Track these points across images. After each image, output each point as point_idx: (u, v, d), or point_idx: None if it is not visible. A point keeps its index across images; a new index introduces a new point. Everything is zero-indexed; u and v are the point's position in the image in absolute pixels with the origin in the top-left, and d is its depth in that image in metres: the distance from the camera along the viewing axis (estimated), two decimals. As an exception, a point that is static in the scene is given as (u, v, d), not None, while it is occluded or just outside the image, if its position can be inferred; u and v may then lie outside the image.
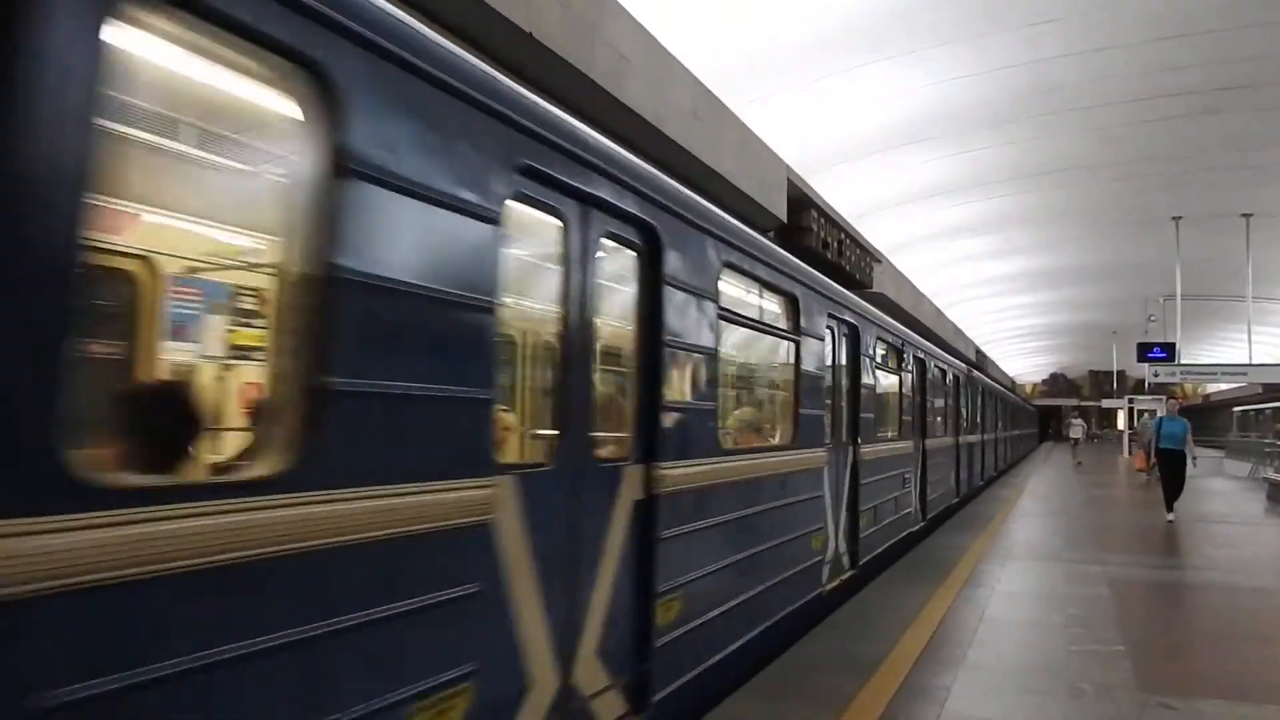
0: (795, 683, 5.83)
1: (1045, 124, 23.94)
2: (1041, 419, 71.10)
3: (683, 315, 5.03)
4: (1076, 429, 42.96)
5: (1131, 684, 5.93)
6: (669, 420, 4.80)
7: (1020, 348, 73.54)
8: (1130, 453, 45.02)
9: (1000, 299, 51.03)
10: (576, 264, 4.05)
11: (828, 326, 8.38)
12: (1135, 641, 7.08)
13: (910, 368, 12.88)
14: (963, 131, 23.81)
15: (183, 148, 3.28)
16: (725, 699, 5.44)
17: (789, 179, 14.32)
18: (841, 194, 21.40)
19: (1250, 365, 33.12)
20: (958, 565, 10.42)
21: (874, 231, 24.58)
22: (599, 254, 4.25)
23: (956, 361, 18.91)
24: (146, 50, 2.49)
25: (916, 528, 12.99)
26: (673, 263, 4.87)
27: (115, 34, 2.08)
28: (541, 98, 3.80)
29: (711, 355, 5.49)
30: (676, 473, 4.85)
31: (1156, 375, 33.31)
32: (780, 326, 7.28)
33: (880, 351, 10.97)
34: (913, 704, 5.42)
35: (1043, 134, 24.64)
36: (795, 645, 6.76)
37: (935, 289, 36.82)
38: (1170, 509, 15.85)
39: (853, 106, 20.49)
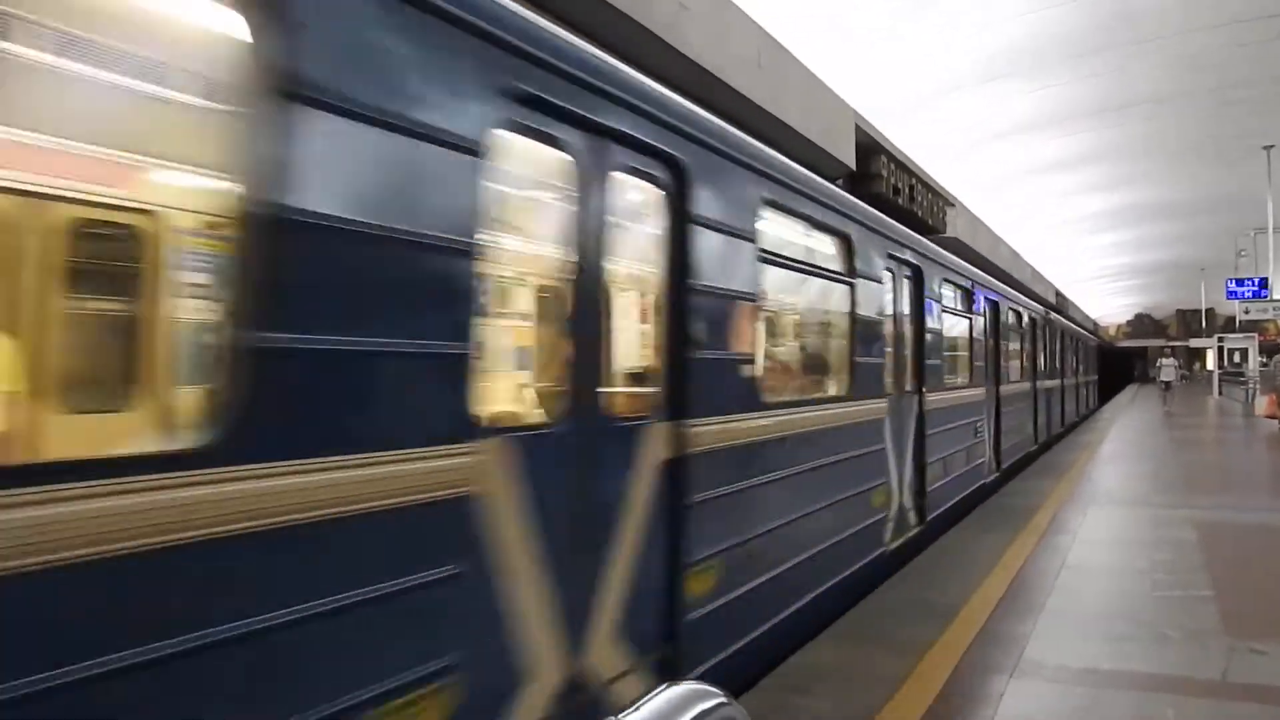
0: (873, 629, 5.87)
1: (1128, 54, 23.00)
2: (1121, 361, 66.02)
3: (714, 257, 4.72)
4: (1169, 370, 35.00)
5: (1219, 629, 5.84)
6: (699, 374, 4.52)
7: (1104, 288, 71.21)
8: (1221, 392, 43.62)
9: (1082, 239, 49.53)
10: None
11: (887, 269, 7.99)
12: (1224, 586, 6.94)
13: (982, 311, 12.39)
14: (1041, 66, 23.01)
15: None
16: (804, 646, 5.52)
17: (857, 125, 14.02)
18: (916, 138, 20.89)
19: (1348, 299, 31.76)
20: (1038, 511, 10.29)
21: (950, 175, 24.00)
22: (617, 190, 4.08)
23: (1033, 304, 18.33)
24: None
25: (990, 479, 12.58)
26: (701, 200, 4.57)
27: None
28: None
29: (750, 301, 5.15)
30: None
31: (1248, 312, 32.22)
32: (833, 269, 6.87)
33: (947, 294, 10.51)
34: (991, 651, 5.42)
35: (1125, 65, 23.69)
36: (873, 593, 6.78)
37: (1013, 232, 35.86)
38: None
39: (926, 46, 19.94)
